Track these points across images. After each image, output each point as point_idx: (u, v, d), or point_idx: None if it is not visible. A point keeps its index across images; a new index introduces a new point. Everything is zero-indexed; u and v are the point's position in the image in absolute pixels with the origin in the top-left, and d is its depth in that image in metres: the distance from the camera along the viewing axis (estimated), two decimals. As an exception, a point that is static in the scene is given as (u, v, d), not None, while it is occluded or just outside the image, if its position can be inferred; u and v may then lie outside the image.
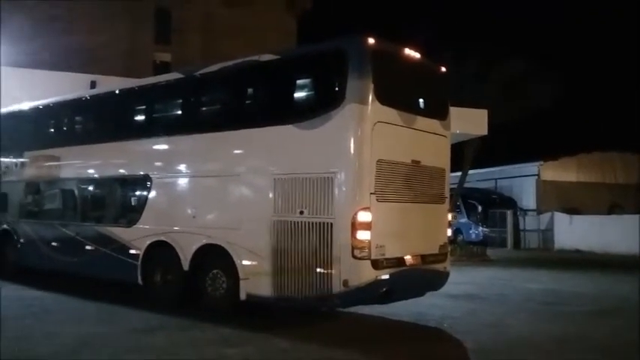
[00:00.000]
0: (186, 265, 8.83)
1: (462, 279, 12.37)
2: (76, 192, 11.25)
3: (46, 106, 12.15)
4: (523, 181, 33.07)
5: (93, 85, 15.76)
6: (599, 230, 25.39)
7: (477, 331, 8.20)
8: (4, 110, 12.99)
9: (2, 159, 12.86)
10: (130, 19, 29.23)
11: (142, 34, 29.94)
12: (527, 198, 32.19)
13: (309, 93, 8.62)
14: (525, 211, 30.23)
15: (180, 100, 10.03)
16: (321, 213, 7.48)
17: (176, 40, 30.90)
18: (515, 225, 28.25)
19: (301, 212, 7.66)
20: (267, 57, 8.60)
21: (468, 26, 23.29)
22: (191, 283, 8.82)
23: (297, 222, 7.68)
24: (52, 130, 12.48)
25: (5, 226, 12.44)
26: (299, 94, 8.63)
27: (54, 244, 11.28)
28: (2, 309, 8.88)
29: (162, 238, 9.24)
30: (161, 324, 8.06)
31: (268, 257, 7.88)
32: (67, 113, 12.00)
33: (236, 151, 8.75)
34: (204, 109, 10.03)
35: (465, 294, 11.28)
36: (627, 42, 37.03)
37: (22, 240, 12.06)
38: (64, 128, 12.24)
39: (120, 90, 11.01)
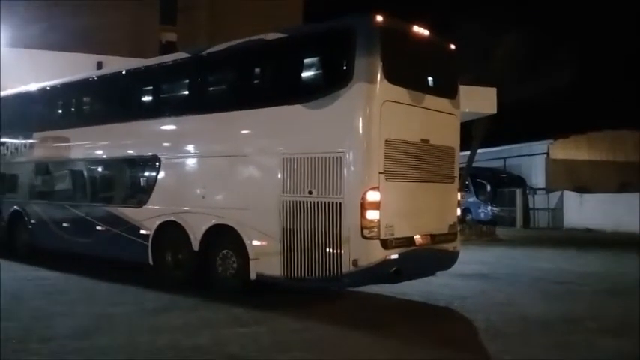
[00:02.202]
0: (196, 246, 8.86)
1: (471, 258, 12.36)
2: (86, 173, 11.30)
3: (54, 87, 12.14)
4: (532, 160, 32.90)
5: (99, 65, 15.73)
6: (610, 209, 25.24)
7: (487, 310, 8.19)
8: (11, 91, 13.01)
9: (12, 140, 12.91)
10: (136, -1, 29.01)
11: (147, 15, 29.72)
12: (537, 177, 32.05)
13: (316, 72, 8.53)
14: (535, 190, 30.11)
15: (187, 80, 9.99)
16: (330, 193, 7.47)
17: (182, 20, 30.68)
18: (525, 204, 28.17)
19: (310, 192, 7.65)
20: (273, 36, 8.52)
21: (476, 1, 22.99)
22: (201, 263, 8.86)
23: (306, 202, 7.67)
24: (60, 111, 12.49)
25: (16, 207, 12.52)
26: (306, 73, 8.55)
27: (65, 224, 11.35)
28: (16, 289, 8.99)
29: (172, 218, 9.27)
30: (172, 304, 8.12)
31: (278, 237, 7.89)
32: (74, 94, 12.00)
33: (244, 131, 8.72)
34: (211, 89, 9.98)
35: (474, 273, 11.28)
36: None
37: (33, 221, 12.15)
38: (72, 109, 12.25)
39: (126, 70, 10.96)
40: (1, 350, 5.82)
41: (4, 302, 8.02)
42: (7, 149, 13.07)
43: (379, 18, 7.56)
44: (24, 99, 12.71)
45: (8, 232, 12.70)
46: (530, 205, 28.79)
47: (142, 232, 9.67)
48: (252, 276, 8.16)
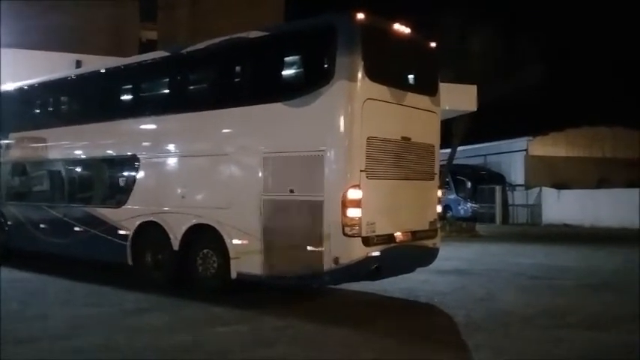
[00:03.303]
0: (176, 245, 8.80)
1: (451, 255, 12.45)
2: (64, 173, 11.15)
3: (31, 87, 11.96)
4: (512, 157, 33.24)
5: (78, 64, 15.54)
6: (588, 204, 25.62)
7: (467, 306, 8.25)
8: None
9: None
10: (115, -4, 28.69)
11: (127, 12, 29.44)
12: (516, 173, 32.39)
13: (298, 70, 8.52)
14: (514, 187, 30.43)
15: (167, 79, 9.91)
16: (312, 191, 7.46)
17: (162, 17, 30.41)
18: (504, 200, 28.47)
19: (291, 191, 7.64)
20: (255, 34, 8.49)
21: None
22: (181, 263, 8.80)
23: (288, 200, 7.65)
24: (38, 110, 12.31)
25: (-8, 208, 12.33)
26: (288, 72, 8.54)
27: (42, 225, 11.19)
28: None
29: (152, 218, 9.18)
30: (153, 304, 8.05)
31: (259, 236, 7.86)
32: (52, 93, 11.85)
33: (225, 130, 8.67)
34: (191, 87, 9.92)
35: (455, 269, 11.36)
36: (616, 14, 37.01)
37: (9, 222, 11.97)
38: (50, 109, 12.08)
39: (106, 69, 10.84)
40: (0, 350, 5.75)
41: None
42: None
43: (360, 16, 7.55)
44: (0, 99, 12.49)
45: (-16, 234, 12.48)
46: (510, 202, 29.10)
47: (121, 232, 9.58)
48: (233, 275, 8.13)
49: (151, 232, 9.20)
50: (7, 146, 12.28)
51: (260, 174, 7.94)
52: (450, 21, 21.12)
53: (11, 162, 12.16)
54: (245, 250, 8.02)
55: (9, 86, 12.39)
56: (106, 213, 9.96)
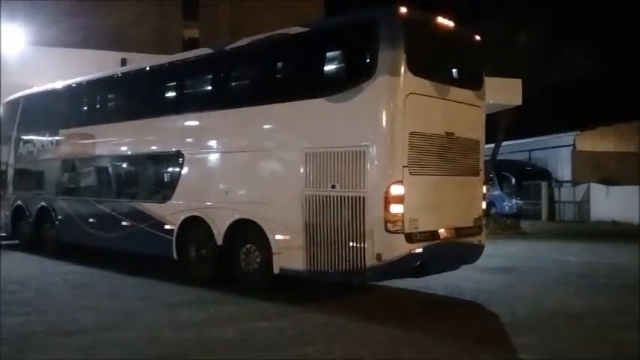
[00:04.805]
0: (219, 240, 8.90)
1: (496, 252, 12.23)
2: (111, 169, 11.42)
3: (79, 85, 12.28)
4: (558, 152, 32.39)
5: (123, 62, 15.88)
6: (637, 201, 24.76)
7: (512, 304, 8.10)
8: (38, 89, 13.20)
9: (39, 138, 13.10)
10: (158, -5, 29.17)
11: (170, 11, 29.92)
12: (563, 169, 31.56)
13: (340, 65, 8.47)
14: (560, 183, 29.69)
15: (210, 76, 10.01)
16: (354, 187, 7.42)
17: (204, 15, 30.81)
18: (550, 197, 27.81)
19: (333, 186, 7.62)
20: (297, 30, 8.49)
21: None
22: (225, 257, 8.90)
23: (330, 196, 7.63)
24: (86, 108, 12.62)
25: (43, 203, 12.71)
26: (330, 67, 8.50)
27: (91, 220, 11.49)
28: (43, 284, 9.14)
29: (196, 213, 9.31)
30: (197, 298, 8.17)
31: (301, 231, 7.87)
32: (99, 91, 12.12)
33: (267, 126, 8.71)
34: (234, 84, 9.99)
35: (499, 267, 11.15)
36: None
37: (59, 216, 12.32)
38: (98, 106, 12.36)
39: (150, 67, 11.04)
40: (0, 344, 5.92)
41: (32, 297, 8.17)
42: (34, 146, 13.26)
43: (403, 10, 7.47)
44: (50, 96, 12.88)
45: (35, 228, 12.89)
46: (556, 198, 28.40)
47: (167, 227, 9.74)
48: (276, 270, 8.17)
49: (195, 227, 9.33)
50: (57, 143, 12.64)
51: (302, 170, 7.94)
52: (493, 11, 20.71)
53: (61, 158, 12.51)
54: (287, 246, 8.05)
55: (58, 84, 12.74)
56: (152, 208, 10.15)
